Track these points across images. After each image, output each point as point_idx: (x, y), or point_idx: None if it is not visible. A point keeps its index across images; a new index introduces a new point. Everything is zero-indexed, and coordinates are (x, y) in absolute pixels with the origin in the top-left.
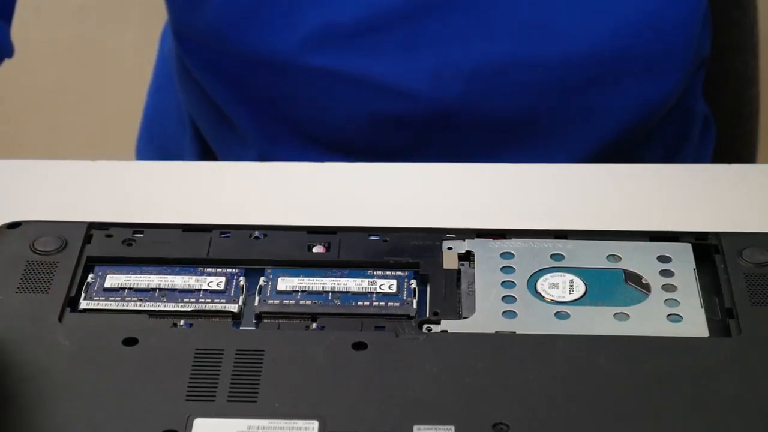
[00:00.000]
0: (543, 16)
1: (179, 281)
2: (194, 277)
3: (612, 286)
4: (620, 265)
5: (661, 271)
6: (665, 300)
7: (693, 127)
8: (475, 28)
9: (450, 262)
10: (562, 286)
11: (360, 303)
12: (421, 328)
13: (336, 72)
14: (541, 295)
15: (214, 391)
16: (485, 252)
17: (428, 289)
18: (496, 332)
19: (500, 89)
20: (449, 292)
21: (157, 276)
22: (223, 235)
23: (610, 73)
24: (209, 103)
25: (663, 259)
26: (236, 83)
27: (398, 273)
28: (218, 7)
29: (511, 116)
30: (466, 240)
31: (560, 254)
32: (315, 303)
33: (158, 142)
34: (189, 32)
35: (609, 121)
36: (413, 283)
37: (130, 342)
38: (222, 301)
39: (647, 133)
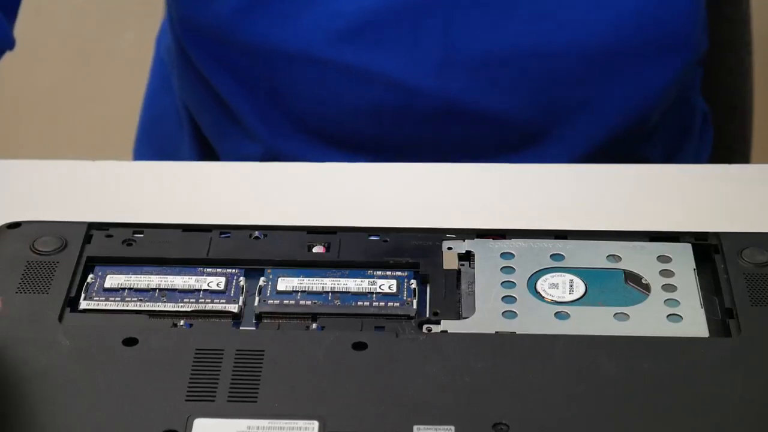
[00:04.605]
0: (545, 7)
1: (179, 281)
2: (194, 278)
3: (612, 286)
4: (620, 265)
5: (661, 271)
6: (665, 300)
7: (694, 123)
8: (478, 20)
9: (450, 262)
10: (562, 286)
11: (360, 303)
12: (421, 328)
13: (342, 65)
14: (541, 295)
15: (214, 391)
16: (485, 252)
17: (428, 289)
18: (496, 332)
19: (504, 81)
20: (449, 292)
21: (157, 276)
22: (223, 235)
23: (611, 63)
24: (212, 98)
25: (663, 259)
26: (242, 75)
27: (398, 273)
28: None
29: (515, 108)
30: (466, 240)
31: (560, 254)
32: (315, 303)
33: (156, 145)
34: (195, 25)
35: (610, 112)
36: (413, 283)
37: (130, 342)
38: (222, 301)
39: (649, 129)
